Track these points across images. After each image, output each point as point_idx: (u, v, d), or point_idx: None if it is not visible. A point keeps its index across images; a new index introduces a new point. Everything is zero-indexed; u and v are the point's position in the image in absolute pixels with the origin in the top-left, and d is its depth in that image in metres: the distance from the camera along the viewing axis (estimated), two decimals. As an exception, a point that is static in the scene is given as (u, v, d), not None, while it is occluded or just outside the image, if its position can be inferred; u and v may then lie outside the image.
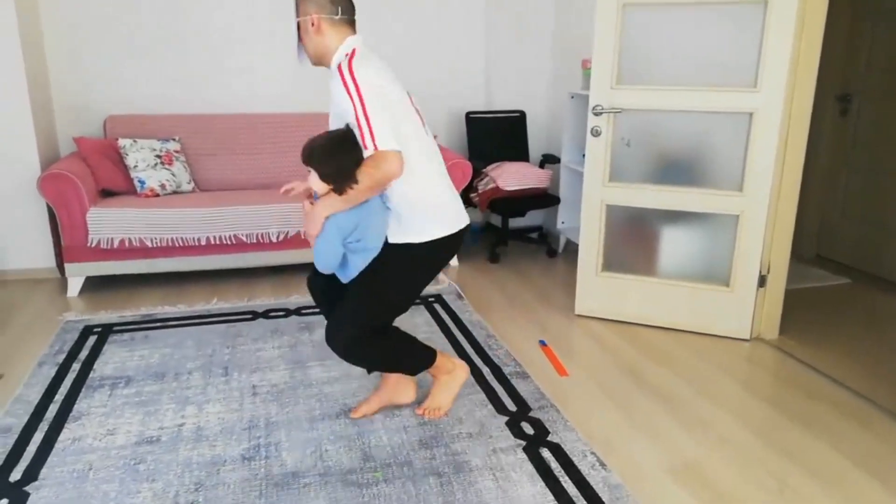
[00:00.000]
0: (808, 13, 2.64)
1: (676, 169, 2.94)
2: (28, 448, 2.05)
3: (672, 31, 2.82)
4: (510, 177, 3.96)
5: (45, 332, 2.91)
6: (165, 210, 3.33)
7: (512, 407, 2.34)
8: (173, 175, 3.62)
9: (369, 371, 2.32)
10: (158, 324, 3.01)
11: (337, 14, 1.96)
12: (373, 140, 1.79)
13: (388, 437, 2.14)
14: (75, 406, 2.30)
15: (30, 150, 3.46)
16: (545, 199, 4.09)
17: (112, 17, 3.77)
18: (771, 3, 2.59)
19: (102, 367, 2.59)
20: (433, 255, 2.01)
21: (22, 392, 2.38)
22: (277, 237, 3.52)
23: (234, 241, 3.46)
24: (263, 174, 3.94)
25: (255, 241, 3.49)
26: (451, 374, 2.25)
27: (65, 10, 3.69)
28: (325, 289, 2.14)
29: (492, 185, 4.03)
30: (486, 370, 2.61)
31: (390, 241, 1.98)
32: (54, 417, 2.23)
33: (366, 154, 1.82)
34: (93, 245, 3.26)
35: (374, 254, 1.97)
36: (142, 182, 3.51)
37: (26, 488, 1.86)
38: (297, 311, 3.18)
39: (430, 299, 3.39)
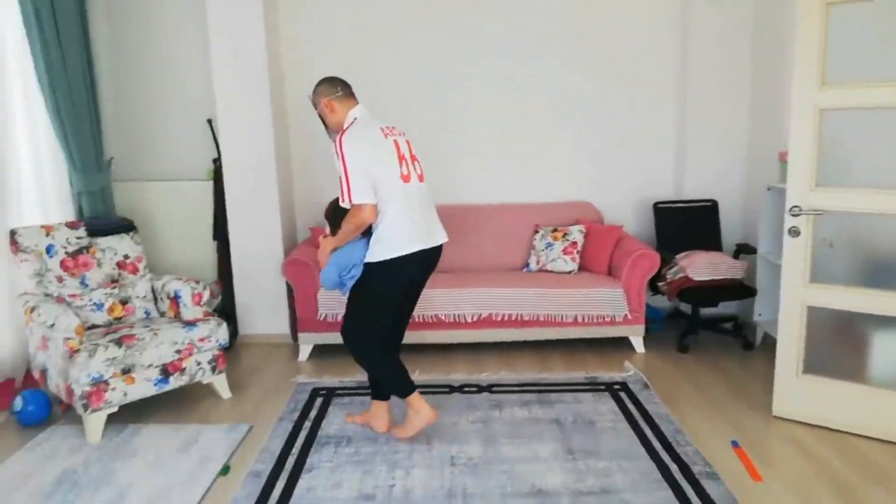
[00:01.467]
0: None
1: (889, 272, 2.78)
2: (273, 493, 2.48)
3: (875, 131, 2.74)
4: (701, 266, 3.94)
5: (283, 392, 3.46)
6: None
7: (701, 508, 2.33)
8: (386, 259, 4.15)
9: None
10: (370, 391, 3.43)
11: (338, 92, 2.74)
12: (349, 196, 2.54)
13: (576, 522, 2.24)
14: (308, 460, 2.73)
15: (276, 237, 4.20)
16: (740, 290, 3.99)
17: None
18: None
19: (328, 426, 3.03)
20: (386, 270, 2.62)
21: (267, 443, 2.88)
22: (472, 318, 3.85)
23: (434, 320, 3.85)
24: (461, 259, 4.33)
25: (452, 320, 3.86)
26: (417, 413, 2.81)
27: (307, 114, 4.47)
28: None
29: (681, 275, 4.03)
30: (673, 467, 2.62)
31: (365, 261, 2.67)
32: (292, 468, 2.66)
33: (343, 205, 2.59)
34: (321, 318, 3.84)
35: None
36: (361, 265, 4.07)
37: (274, 526, 2.26)
38: (489, 389, 3.44)
39: (615, 386, 3.46)
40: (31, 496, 2.48)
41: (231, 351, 3.87)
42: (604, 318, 3.90)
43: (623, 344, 4.03)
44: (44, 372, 3.13)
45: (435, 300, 3.83)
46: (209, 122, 4.29)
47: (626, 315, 3.91)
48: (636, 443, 2.84)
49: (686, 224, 4.41)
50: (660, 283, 4.15)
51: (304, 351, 3.96)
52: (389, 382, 2.87)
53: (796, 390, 3.01)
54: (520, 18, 4.43)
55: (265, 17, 4.00)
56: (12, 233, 3.25)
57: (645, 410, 3.17)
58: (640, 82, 4.51)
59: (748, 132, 4.46)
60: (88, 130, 3.85)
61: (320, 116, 2.80)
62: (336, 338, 3.84)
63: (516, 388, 3.44)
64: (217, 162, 4.27)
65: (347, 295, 2.80)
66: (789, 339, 3.00)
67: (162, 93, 4.37)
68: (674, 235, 4.36)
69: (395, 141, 2.71)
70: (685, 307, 4.39)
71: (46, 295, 3.20)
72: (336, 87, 2.74)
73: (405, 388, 2.81)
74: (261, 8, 3.95)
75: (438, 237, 2.77)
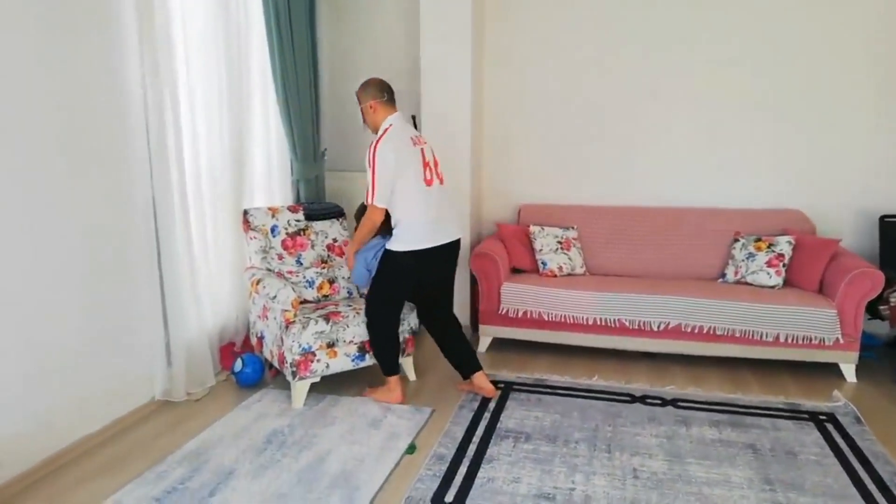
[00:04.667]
0: None
1: None
2: (455, 478, 2.59)
3: None
4: (938, 293, 3.42)
5: (463, 380, 3.59)
6: (562, 291, 3.82)
7: (932, 570, 2.03)
8: (569, 259, 4.11)
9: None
10: (548, 390, 3.44)
11: (384, 97, 3.10)
12: (372, 197, 3.02)
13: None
14: (488, 450, 2.80)
15: (465, 229, 4.33)
16: None
17: (538, 122, 4.53)
18: None
19: (507, 419, 3.08)
20: (403, 260, 3.07)
21: (449, 428, 3.00)
22: (658, 326, 3.69)
23: (617, 325, 3.75)
24: (647, 265, 4.18)
25: (636, 327, 3.73)
26: (390, 392, 3.27)
27: (502, 115, 4.58)
28: (427, 317, 3.44)
29: (909, 299, 3.53)
30: (894, 516, 2.32)
31: (386, 247, 3.13)
32: (473, 455, 2.76)
33: (367, 201, 3.09)
34: (502, 312, 3.91)
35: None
36: (544, 263, 4.08)
37: (456, 509, 2.36)
38: (674, 403, 3.28)
39: (820, 416, 3.13)
40: (247, 450, 2.82)
41: (416, 335, 4.08)
42: (811, 340, 3.53)
43: (829, 371, 3.62)
44: (261, 339, 3.54)
45: (619, 305, 3.73)
46: (413, 117, 4.55)
47: (837, 339, 3.51)
48: (846, 482, 2.55)
49: (920, 241, 3.85)
50: (882, 307, 3.66)
51: (484, 343, 4.06)
52: (382, 355, 3.26)
53: None
54: (725, 21, 4.14)
55: (472, 19, 4.15)
56: (245, 212, 3.70)
57: (857, 447, 2.83)
58: (864, 78, 4.01)
59: None
60: (309, 125, 4.27)
61: (362, 111, 3.18)
62: (516, 332, 3.94)
63: (705, 406, 3.24)
64: (416, 155, 4.53)
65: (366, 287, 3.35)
66: None
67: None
68: (902, 253, 3.83)
69: (423, 150, 3.12)
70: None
71: (269, 270, 3.60)
72: (383, 92, 3.11)
73: (391, 368, 3.27)
74: (469, 8, 4.11)
75: (449, 235, 3.15)
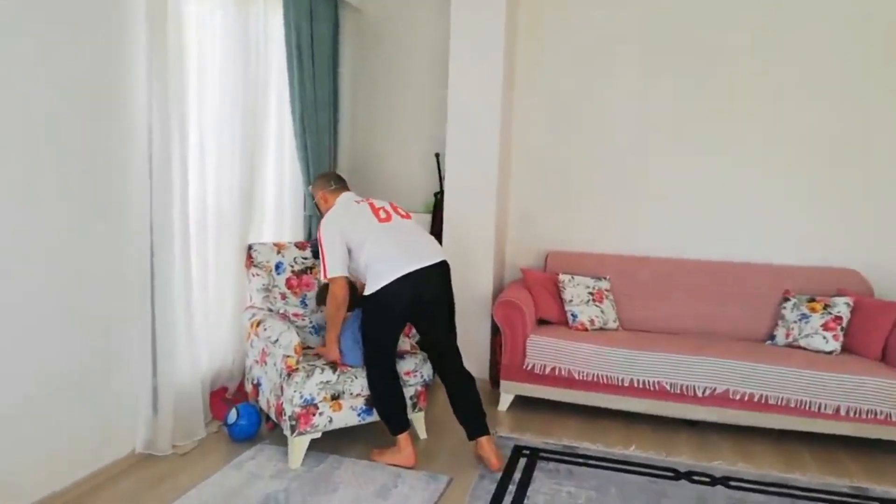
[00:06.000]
0: None
1: None
2: (477, 564, 2.18)
3: None
4: None
5: (482, 443, 3.19)
6: (595, 346, 3.45)
7: None
8: (602, 312, 3.76)
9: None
10: (580, 459, 3.03)
11: (331, 186, 3.13)
12: (324, 272, 2.87)
13: None
14: (514, 532, 2.40)
15: (486, 276, 4.01)
16: None
17: (570, 163, 4.24)
18: None
19: (535, 495, 2.68)
20: (382, 300, 2.82)
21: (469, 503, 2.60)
22: (703, 392, 3.30)
23: (656, 388, 3.37)
24: (688, 321, 3.82)
25: (677, 391, 3.34)
26: (400, 452, 2.91)
27: (529, 160, 4.30)
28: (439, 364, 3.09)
29: None
30: None
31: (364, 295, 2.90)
32: (497, 538, 2.35)
33: (322, 280, 3.02)
34: (528, 368, 3.54)
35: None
36: (574, 316, 3.72)
37: None
38: (724, 482, 2.86)
39: (896, 507, 2.71)
40: (237, 515, 2.44)
41: (428, 389, 3.71)
42: (875, 414, 3.13)
43: (893, 449, 3.21)
44: (257, 386, 3.19)
45: (660, 366, 3.35)
46: (436, 155, 4.29)
47: (906, 414, 3.11)
48: None
49: None
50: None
51: (505, 400, 3.67)
52: (386, 411, 2.94)
53: None
54: (772, 52, 3.87)
55: (504, 61, 3.93)
56: (249, 247, 3.40)
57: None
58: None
59: None
60: (326, 158, 4.03)
61: (316, 204, 3.21)
62: (542, 391, 3.56)
63: (760, 487, 2.83)
64: (438, 195, 4.24)
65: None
66: None
67: (394, 126, 4.52)
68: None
69: (371, 202, 3.02)
70: None
71: (270, 310, 3.27)
72: (330, 182, 3.14)
73: (398, 426, 2.92)
74: (500, 52, 3.89)
75: (425, 259, 2.86)
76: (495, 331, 3.80)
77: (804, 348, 3.46)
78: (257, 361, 3.17)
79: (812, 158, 3.86)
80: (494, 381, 3.86)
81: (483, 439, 2.92)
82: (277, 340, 2.90)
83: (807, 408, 3.20)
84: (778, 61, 3.86)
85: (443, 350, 3.03)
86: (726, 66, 3.93)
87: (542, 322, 3.81)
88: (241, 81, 3.39)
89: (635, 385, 3.39)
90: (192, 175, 3.08)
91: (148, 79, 2.74)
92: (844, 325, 3.43)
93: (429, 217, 4.30)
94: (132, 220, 2.76)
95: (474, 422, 2.96)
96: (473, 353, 4.04)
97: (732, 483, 2.86)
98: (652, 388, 3.37)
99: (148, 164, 2.79)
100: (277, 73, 3.74)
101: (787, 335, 3.55)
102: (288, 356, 2.87)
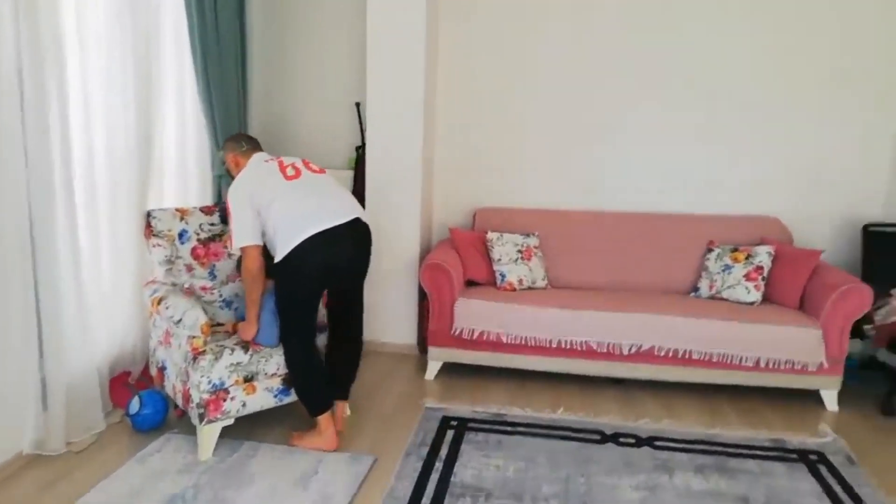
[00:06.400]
0: None
1: None
2: (401, 554, 2.08)
3: None
4: (929, 312, 3.13)
5: (408, 415, 3.08)
6: (522, 308, 3.36)
7: None
8: (530, 270, 3.66)
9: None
10: (508, 427, 2.97)
11: (242, 147, 2.87)
12: (232, 242, 2.62)
13: None
14: (440, 514, 2.31)
15: (412, 237, 3.83)
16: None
17: (496, 115, 4.04)
18: None
19: (462, 470, 2.59)
20: (290, 264, 2.56)
21: (394, 485, 2.48)
22: (629, 349, 3.28)
23: (583, 348, 3.32)
24: (614, 275, 3.77)
25: (605, 350, 3.31)
26: (321, 435, 2.73)
27: (455, 106, 4.07)
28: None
29: (894, 318, 3.24)
30: None
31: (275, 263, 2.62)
32: (422, 523, 2.26)
33: (231, 252, 2.93)
34: (455, 333, 3.42)
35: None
36: (503, 275, 3.61)
37: None
38: (650, 443, 2.87)
39: (810, 456, 2.78)
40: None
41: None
42: (793, 364, 3.19)
43: (807, 398, 3.30)
44: (162, 370, 2.94)
45: (585, 324, 3.29)
46: (357, 105, 4.00)
47: (821, 363, 3.18)
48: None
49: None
50: (866, 327, 3.37)
51: (433, 368, 3.55)
52: (305, 391, 2.74)
53: None
54: (705, 20, 3.78)
55: (426, 15, 3.66)
56: (148, 214, 3.05)
57: (855, 494, 2.49)
58: (849, 82, 3.71)
59: None
60: (235, 112, 3.70)
61: (228, 169, 2.96)
62: (470, 356, 3.45)
63: (685, 447, 2.85)
64: (360, 150, 3.98)
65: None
66: None
67: (310, 76, 4.19)
68: (887, 266, 3.54)
69: (280, 160, 2.78)
70: (887, 356, 3.54)
71: (174, 284, 2.99)
72: (241, 143, 2.89)
73: (319, 406, 2.74)
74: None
75: (339, 216, 2.62)
76: (423, 295, 3.65)
77: (726, 299, 3.48)
78: (161, 343, 2.91)
79: (732, 107, 3.83)
80: (423, 349, 3.73)
81: (342, 403, 2.93)
82: (181, 320, 2.64)
83: (729, 361, 3.23)
84: (709, 25, 3.78)
85: (349, 318, 2.89)
86: (645, 17, 3.81)
87: (470, 283, 3.68)
88: (129, 27, 2.99)
89: (563, 346, 3.33)
90: (76, 131, 2.72)
91: (14, 18, 2.34)
92: (766, 274, 3.46)
93: (351, 174, 4.04)
94: (5, 185, 2.39)
95: (343, 387, 2.93)
96: (401, 319, 3.90)
97: (658, 443, 2.86)
98: (580, 349, 3.32)
99: (20, 117, 2.41)
100: (174, 16, 3.34)
101: (711, 287, 3.56)
102: (193, 337, 2.63)
